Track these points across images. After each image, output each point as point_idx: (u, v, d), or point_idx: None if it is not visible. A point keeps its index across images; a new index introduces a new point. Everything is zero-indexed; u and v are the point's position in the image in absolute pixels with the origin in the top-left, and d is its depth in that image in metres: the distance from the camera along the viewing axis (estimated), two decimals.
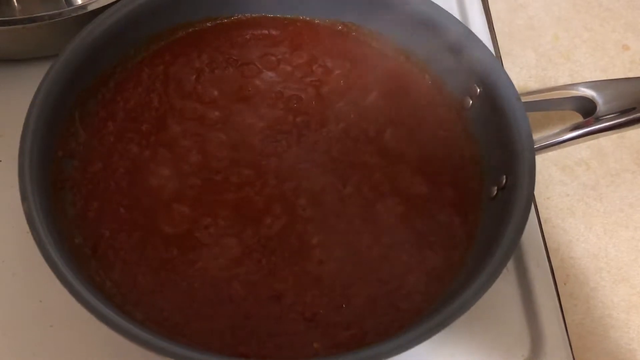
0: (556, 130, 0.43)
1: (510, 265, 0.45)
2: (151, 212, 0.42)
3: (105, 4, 0.47)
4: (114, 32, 0.45)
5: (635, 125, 0.43)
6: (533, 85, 0.56)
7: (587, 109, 0.44)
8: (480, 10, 0.58)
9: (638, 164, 0.52)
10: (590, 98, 0.43)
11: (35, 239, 0.36)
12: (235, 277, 0.40)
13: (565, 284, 0.46)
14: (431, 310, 0.38)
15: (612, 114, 0.43)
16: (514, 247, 0.37)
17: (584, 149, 0.52)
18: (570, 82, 0.55)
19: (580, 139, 0.43)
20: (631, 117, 0.42)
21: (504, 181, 0.41)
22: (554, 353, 0.42)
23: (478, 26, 0.56)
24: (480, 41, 0.45)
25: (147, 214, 0.42)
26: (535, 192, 0.43)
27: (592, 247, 0.48)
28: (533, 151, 0.41)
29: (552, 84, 0.56)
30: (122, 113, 0.45)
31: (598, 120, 0.43)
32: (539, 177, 0.41)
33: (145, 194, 0.42)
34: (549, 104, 0.45)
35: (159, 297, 0.39)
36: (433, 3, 0.46)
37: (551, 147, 0.43)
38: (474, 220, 0.42)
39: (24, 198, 0.37)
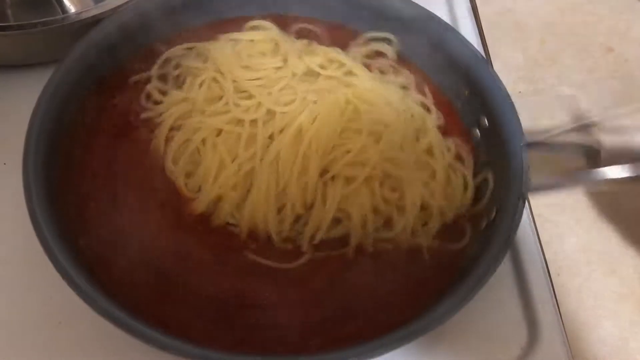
0: (555, 173, 0.41)
1: (506, 259, 0.46)
2: (151, 215, 0.43)
3: (107, 8, 0.48)
4: (112, 40, 0.46)
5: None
6: (522, 86, 0.58)
7: (591, 155, 0.41)
8: (470, 14, 0.60)
9: None
10: (595, 146, 0.41)
11: (39, 239, 0.37)
12: (236, 291, 0.41)
13: (558, 275, 0.47)
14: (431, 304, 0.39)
15: (616, 165, 0.39)
16: (510, 242, 0.39)
17: None
18: (558, 85, 0.57)
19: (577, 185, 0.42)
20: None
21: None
22: (550, 342, 0.43)
23: (467, 29, 0.58)
24: (466, 42, 0.47)
25: (146, 216, 0.43)
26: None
27: (582, 240, 0.49)
28: (524, 151, 0.42)
29: (540, 85, 0.58)
30: (120, 117, 0.46)
31: (599, 170, 0.39)
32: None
33: (145, 196, 0.43)
34: (553, 147, 0.43)
35: (162, 303, 0.40)
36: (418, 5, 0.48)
37: (546, 190, 0.42)
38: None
39: (28, 201, 0.38)
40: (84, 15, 0.48)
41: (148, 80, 0.47)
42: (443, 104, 0.48)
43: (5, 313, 0.43)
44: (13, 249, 0.44)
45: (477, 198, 0.44)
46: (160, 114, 0.46)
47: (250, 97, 0.45)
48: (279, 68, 0.46)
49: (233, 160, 0.43)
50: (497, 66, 0.58)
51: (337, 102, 0.44)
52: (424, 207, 0.43)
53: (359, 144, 0.43)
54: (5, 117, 0.50)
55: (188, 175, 0.44)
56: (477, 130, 0.46)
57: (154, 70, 0.47)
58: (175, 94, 0.46)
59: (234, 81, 0.45)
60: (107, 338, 0.40)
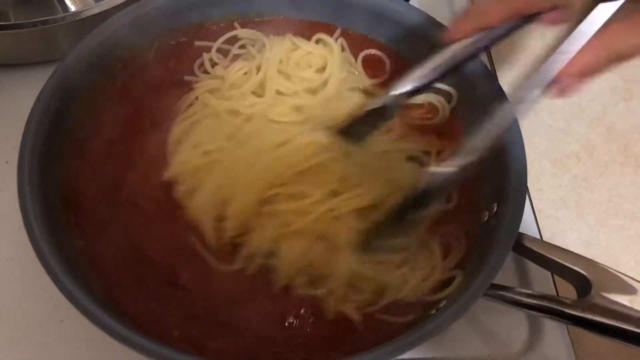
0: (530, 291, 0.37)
1: (509, 255, 0.47)
2: (146, 222, 0.43)
3: (108, 7, 0.48)
4: (111, 44, 0.45)
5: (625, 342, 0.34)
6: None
7: (582, 286, 0.36)
8: None
9: (626, 156, 0.54)
10: (588, 278, 0.36)
11: (33, 245, 0.37)
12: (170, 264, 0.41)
13: None
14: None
15: (603, 311, 0.34)
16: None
17: (573, 143, 0.54)
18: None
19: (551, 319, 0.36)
20: (625, 327, 0.33)
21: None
22: (552, 339, 0.43)
23: None
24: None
25: (143, 224, 0.42)
26: (528, 184, 0.44)
27: (584, 235, 0.49)
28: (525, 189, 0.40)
29: None
30: (119, 117, 0.46)
31: (587, 307, 0.34)
32: (531, 170, 0.42)
33: (142, 201, 0.43)
34: (548, 263, 0.38)
35: (160, 312, 0.40)
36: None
37: (510, 304, 0.37)
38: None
39: (23, 209, 0.38)
40: (85, 14, 0.49)
41: (209, 50, 0.48)
42: (465, 186, 0.43)
43: (7, 311, 0.43)
44: (15, 247, 0.45)
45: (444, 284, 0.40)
46: (196, 82, 0.47)
47: (261, 97, 0.45)
48: (310, 88, 0.46)
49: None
50: (498, 66, 0.58)
51: (317, 143, 0.42)
52: (363, 277, 0.40)
53: (310, 200, 0.40)
54: (7, 116, 0.50)
55: (179, 142, 0.45)
56: (479, 226, 0.42)
57: (217, 43, 0.48)
58: (217, 70, 0.47)
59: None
60: (108, 336, 0.40)
